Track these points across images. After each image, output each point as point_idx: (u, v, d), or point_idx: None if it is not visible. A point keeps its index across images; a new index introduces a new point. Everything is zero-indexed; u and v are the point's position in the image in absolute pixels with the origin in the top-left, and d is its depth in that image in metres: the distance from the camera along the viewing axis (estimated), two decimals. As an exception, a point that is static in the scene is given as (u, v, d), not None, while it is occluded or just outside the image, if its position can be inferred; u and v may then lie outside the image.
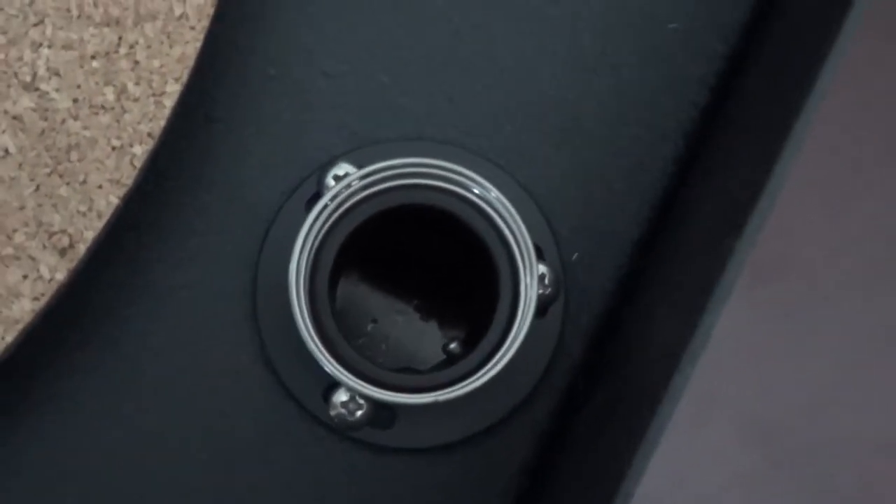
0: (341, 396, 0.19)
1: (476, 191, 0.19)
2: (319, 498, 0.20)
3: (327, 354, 0.18)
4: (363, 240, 0.19)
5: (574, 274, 0.21)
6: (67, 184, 0.19)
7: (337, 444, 0.20)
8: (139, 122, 0.19)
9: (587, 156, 0.21)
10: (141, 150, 0.19)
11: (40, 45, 0.19)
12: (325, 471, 0.20)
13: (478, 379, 0.18)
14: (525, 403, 0.20)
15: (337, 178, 0.19)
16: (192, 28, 0.19)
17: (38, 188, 0.19)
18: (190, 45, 0.19)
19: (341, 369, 0.19)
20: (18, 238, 0.19)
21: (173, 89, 0.19)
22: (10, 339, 0.18)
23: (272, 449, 0.20)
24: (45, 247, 0.19)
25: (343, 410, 0.19)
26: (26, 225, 0.19)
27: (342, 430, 0.20)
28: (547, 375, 0.20)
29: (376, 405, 0.19)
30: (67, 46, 0.19)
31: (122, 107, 0.19)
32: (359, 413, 0.19)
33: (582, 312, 0.20)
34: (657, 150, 0.21)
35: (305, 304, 0.18)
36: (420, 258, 0.21)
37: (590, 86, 0.21)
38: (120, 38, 0.19)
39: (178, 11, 0.19)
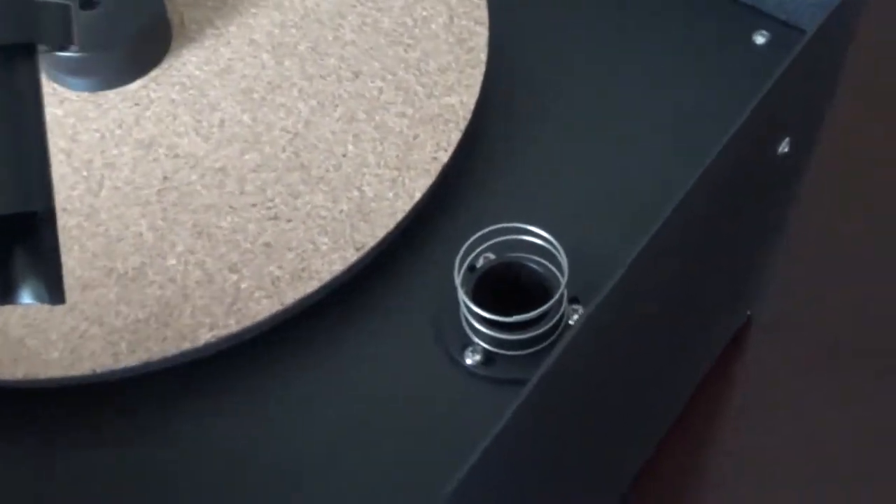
0: (470, 347, 0.40)
1: (546, 256, 0.40)
2: (458, 404, 0.40)
3: (466, 323, 0.40)
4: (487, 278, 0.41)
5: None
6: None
7: (466, 376, 0.40)
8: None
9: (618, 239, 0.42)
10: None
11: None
12: (459, 390, 0.40)
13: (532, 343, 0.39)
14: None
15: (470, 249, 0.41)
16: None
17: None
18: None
19: (470, 332, 0.40)
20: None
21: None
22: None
23: (431, 379, 0.40)
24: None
25: (470, 355, 0.40)
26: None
27: (470, 367, 0.40)
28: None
29: (486, 353, 0.40)
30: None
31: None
32: (477, 357, 0.40)
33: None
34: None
35: (462, 296, 0.40)
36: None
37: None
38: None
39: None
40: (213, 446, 0.39)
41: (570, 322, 0.41)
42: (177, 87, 0.46)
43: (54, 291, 0.25)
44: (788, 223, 0.57)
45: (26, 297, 0.25)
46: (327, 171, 0.43)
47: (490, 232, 0.40)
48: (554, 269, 0.40)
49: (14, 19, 0.24)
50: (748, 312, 0.64)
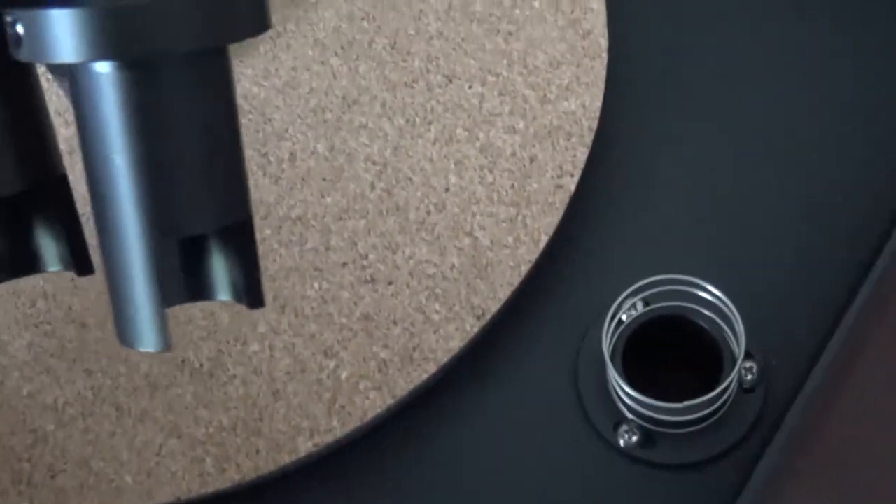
0: (624, 426, 0.33)
1: (713, 309, 0.32)
2: (613, 493, 0.33)
3: (619, 398, 0.32)
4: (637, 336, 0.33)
5: (772, 370, 0.34)
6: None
7: (621, 459, 0.33)
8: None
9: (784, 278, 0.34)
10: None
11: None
12: (613, 476, 0.33)
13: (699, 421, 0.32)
14: (733, 447, 0.33)
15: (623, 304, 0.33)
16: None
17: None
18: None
19: (622, 408, 0.32)
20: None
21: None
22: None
23: (579, 463, 0.33)
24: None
25: (624, 435, 0.33)
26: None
27: (624, 449, 0.33)
28: (750, 432, 0.33)
29: (644, 431, 0.32)
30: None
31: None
32: (633, 437, 0.33)
33: (775, 395, 0.33)
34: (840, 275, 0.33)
35: (612, 372, 0.32)
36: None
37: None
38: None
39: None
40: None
41: (745, 386, 0.33)
42: (233, 113, 0.38)
43: (254, 294, 0.23)
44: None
45: (223, 295, 0.24)
46: (428, 212, 0.35)
47: (643, 286, 0.32)
48: (724, 326, 0.32)
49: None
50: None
